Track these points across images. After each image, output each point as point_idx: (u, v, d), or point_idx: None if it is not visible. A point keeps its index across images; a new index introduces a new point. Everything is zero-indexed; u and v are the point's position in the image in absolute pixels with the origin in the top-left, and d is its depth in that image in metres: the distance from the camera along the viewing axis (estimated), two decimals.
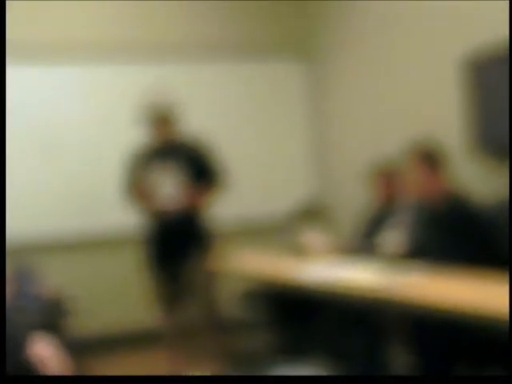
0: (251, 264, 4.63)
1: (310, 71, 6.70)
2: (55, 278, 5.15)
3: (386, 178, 4.65)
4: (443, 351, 3.21)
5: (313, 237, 4.65)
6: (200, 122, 5.49)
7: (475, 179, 4.45)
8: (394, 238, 3.77)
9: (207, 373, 4.35)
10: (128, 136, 5.38)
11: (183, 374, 4.60)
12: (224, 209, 5.49)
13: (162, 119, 4.88)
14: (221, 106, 6.40)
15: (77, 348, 3.72)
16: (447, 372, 3.24)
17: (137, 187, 4.92)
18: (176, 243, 4.88)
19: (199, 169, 4.91)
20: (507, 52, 4.10)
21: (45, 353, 1.33)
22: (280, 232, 5.70)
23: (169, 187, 4.81)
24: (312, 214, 5.67)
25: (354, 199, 5.85)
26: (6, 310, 1.29)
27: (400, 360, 3.78)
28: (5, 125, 2.00)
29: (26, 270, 4.91)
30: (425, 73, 5.12)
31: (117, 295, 6.01)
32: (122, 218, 5.73)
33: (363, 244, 4.42)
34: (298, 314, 4.63)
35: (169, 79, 5.97)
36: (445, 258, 3.38)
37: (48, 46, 5.88)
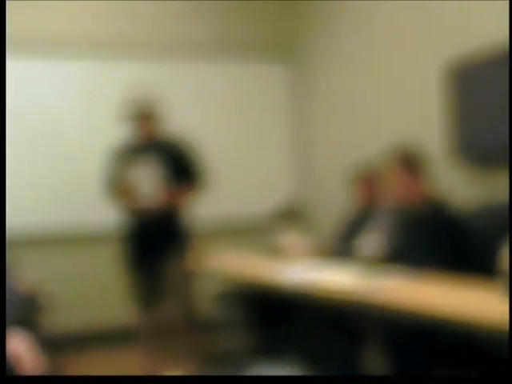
0: (230, 264, 4.62)
1: (294, 72, 6.71)
2: (32, 273, 5.11)
3: (367, 181, 4.66)
4: (420, 355, 3.21)
5: (291, 239, 4.64)
6: (183, 120, 5.48)
7: (456, 185, 4.47)
8: (372, 241, 3.78)
9: (182, 372, 4.34)
10: (111, 132, 5.36)
11: (158, 372, 4.58)
12: (204, 208, 5.47)
13: (144, 116, 4.87)
14: (204, 104, 6.39)
15: (52, 344, 3.70)
16: (421, 376, 3.25)
17: (117, 184, 4.89)
18: (155, 241, 4.87)
19: (180, 167, 4.90)
20: (491, 57, 4.12)
21: (19, 348, 1.31)
22: (260, 233, 5.70)
23: (149, 185, 4.79)
24: (292, 215, 5.67)
25: (334, 201, 5.86)
26: (5, 310, 1.28)
27: (376, 363, 3.78)
28: (5, 125, 1.98)
29: None
30: (408, 78, 5.14)
31: (94, 292, 5.99)
32: (102, 214, 5.71)
33: (342, 246, 4.42)
34: (276, 315, 4.62)
35: (153, 76, 5.96)
36: (423, 263, 3.39)
37: (33, 40, 5.85)
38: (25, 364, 1.31)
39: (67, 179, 5.94)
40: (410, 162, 3.84)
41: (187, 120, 5.73)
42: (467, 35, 4.44)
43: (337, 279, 3.43)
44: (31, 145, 5.87)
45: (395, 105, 5.31)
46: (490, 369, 2.92)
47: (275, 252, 4.63)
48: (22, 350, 1.31)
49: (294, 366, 3.90)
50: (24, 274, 4.92)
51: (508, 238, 2.61)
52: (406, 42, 5.12)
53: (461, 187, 4.48)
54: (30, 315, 4.49)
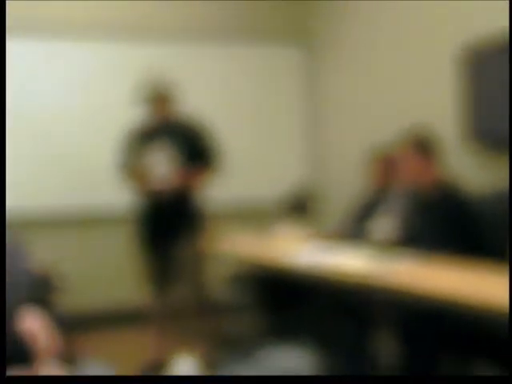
0: (242, 247, 4.63)
1: (307, 56, 6.69)
2: (46, 254, 5.15)
3: (383, 163, 4.63)
4: (430, 339, 3.22)
5: (288, 228, 4.65)
6: (197, 103, 5.48)
7: (469, 170, 4.46)
8: (385, 224, 3.78)
9: (194, 354, 4.36)
10: (124, 114, 5.37)
11: (170, 354, 4.60)
12: (217, 191, 5.48)
13: (159, 98, 4.86)
14: (217, 88, 6.39)
15: (65, 325, 3.73)
16: (432, 360, 3.26)
17: (131, 166, 4.90)
18: (168, 223, 4.88)
19: (194, 149, 4.90)
20: (504, 44, 4.10)
21: (34, 326, 1.33)
22: (272, 216, 5.71)
23: (163, 167, 4.80)
24: (304, 198, 5.68)
25: (346, 185, 5.86)
26: (5, 309, 1.29)
27: (387, 347, 3.79)
28: (5, 111, 1.99)
29: (16, 245, 4.90)
30: (422, 62, 5.12)
31: (107, 273, 6.02)
32: (115, 196, 5.73)
33: (355, 229, 4.43)
34: (287, 297, 4.64)
35: (168, 59, 5.97)
36: (435, 247, 3.40)
37: (47, 22, 5.85)
38: (40, 342, 1.33)
39: (81, 161, 5.96)
40: (422, 146, 3.83)
41: (201, 103, 5.73)
42: (483, 20, 4.42)
43: (349, 262, 3.43)
44: (46, 127, 5.89)
45: (408, 89, 5.29)
46: (499, 353, 2.93)
47: (282, 236, 4.65)
48: (36, 327, 1.32)
49: (305, 349, 3.91)
50: (37, 254, 4.96)
51: None
52: (420, 26, 5.10)
53: (473, 172, 4.47)
54: (43, 296, 4.52)
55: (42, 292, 4.55)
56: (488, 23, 4.32)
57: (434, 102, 4.95)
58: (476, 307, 2.43)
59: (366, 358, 3.80)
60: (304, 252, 3.90)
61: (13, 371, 1.29)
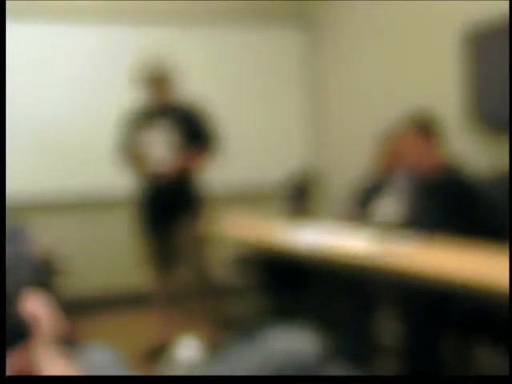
0: (243, 229, 4.63)
1: (309, 39, 6.66)
2: (47, 238, 5.15)
3: (389, 146, 4.61)
4: (432, 320, 3.22)
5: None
6: (196, 85, 5.46)
7: (471, 152, 4.44)
8: (388, 206, 3.77)
9: (197, 336, 4.36)
10: (123, 97, 5.35)
11: (173, 337, 4.61)
12: (217, 173, 5.48)
13: (158, 81, 4.84)
14: (218, 70, 6.37)
15: (67, 308, 3.73)
16: (434, 341, 3.26)
17: (131, 149, 4.89)
18: (168, 207, 4.87)
19: (193, 132, 4.88)
20: (506, 25, 4.08)
21: (36, 309, 1.32)
22: (272, 199, 5.70)
23: (162, 150, 4.79)
24: (306, 182, 5.67)
25: (348, 168, 5.85)
26: (6, 307, 1.29)
27: (389, 328, 3.80)
28: (5, 97, 1.97)
29: (17, 229, 4.91)
30: (424, 44, 5.09)
31: (108, 256, 6.03)
32: (115, 179, 5.72)
33: (358, 211, 4.42)
34: (289, 279, 4.64)
35: (167, 42, 5.94)
36: (438, 229, 3.39)
37: (46, 6, 5.83)
38: (42, 324, 1.32)
39: (81, 144, 5.95)
40: (424, 128, 3.82)
41: (202, 85, 5.71)
42: (483, 3, 4.39)
43: (352, 244, 3.43)
44: (44, 110, 5.87)
45: (410, 72, 5.27)
46: (501, 334, 2.93)
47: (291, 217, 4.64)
48: (38, 310, 1.32)
49: (307, 331, 3.92)
50: (39, 238, 4.95)
51: None
52: (424, 8, 5.07)
53: (475, 154, 4.46)
54: (45, 279, 4.52)
55: (43, 276, 4.55)
56: (490, 5, 4.29)
57: (436, 85, 4.93)
58: (478, 288, 2.43)
59: (368, 339, 3.80)
60: (306, 234, 3.89)
61: (15, 354, 1.29)
